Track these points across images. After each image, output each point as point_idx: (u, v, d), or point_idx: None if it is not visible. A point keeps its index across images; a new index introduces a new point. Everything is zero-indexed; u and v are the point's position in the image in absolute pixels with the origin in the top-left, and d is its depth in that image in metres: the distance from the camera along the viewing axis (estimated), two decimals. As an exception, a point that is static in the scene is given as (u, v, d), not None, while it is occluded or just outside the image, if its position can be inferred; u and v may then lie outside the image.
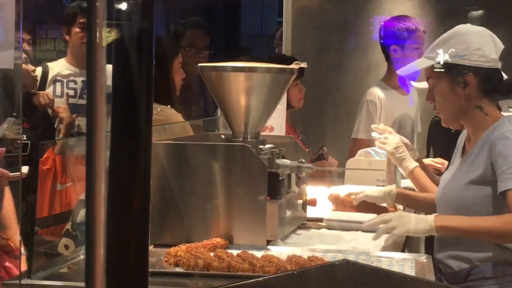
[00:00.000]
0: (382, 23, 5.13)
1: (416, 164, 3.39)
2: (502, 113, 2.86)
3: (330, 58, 6.60)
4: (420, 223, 2.55)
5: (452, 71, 2.76)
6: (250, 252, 2.42)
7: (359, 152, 4.20)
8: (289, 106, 4.53)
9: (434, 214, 2.63)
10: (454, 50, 2.75)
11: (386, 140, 3.50)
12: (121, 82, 1.31)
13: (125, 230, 1.35)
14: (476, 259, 2.73)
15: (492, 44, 2.78)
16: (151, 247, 2.56)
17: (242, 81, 2.75)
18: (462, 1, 6.51)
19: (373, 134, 3.66)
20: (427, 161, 4.69)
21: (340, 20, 6.51)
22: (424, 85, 4.14)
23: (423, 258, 2.58)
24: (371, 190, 3.27)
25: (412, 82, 4.38)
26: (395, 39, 4.91)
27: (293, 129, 4.71)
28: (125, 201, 1.33)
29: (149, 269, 2.17)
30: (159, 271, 2.31)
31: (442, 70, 2.79)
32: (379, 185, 3.82)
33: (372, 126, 3.69)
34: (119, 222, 1.34)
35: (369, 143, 4.81)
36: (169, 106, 3.58)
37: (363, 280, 1.67)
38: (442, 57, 2.77)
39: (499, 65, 2.79)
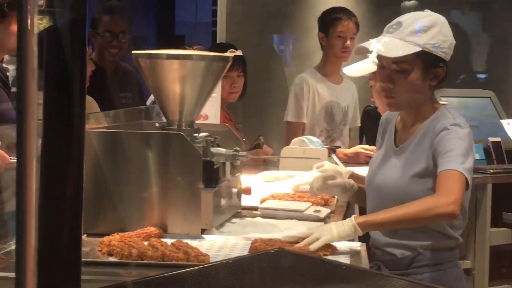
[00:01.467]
0: (320, 13, 5.23)
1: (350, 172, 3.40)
2: (440, 102, 2.88)
3: (265, 46, 6.61)
4: (341, 227, 2.47)
5: (431, 61, 2.72)
6: (185, 241, 2.40)
7: (293, 140, 4.22)
8: None
9: (353, 216, 2.57)
10: (437, 41, 2.71)
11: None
12: (54, 69, 1.28)
13: (57, 219, 1.32)
14: (419, 246, 2.75)
15: (454, 41, 2.79)
16: (84, 237, 2.52)
17: (176, 69, 2.73)
18: (396, -10, 6.58)
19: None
20: (357, 148, 4.76)
21: (275, 8, 6.53)
22: (356, 73, 4.20)
23: (358, 246, 2.59)
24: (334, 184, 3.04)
25: (344, 70, 4.43)
26: (323, 28, 5.03)
27: (230, 118, 4.72)
28: (57, 190, 1.31)
29: (82, 259, 2.14)
30: (92, 260, 2.28)
31: (421, 58, 2.71)
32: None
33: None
34: (52, 211, 1.32)
35: (302, 126, 4.93)
36: None
37: (298, 269, 1.67)
38: (424, 44, 2.70)
39: None
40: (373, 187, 2.88)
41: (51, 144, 1.28)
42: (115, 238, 2.39)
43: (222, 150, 2.82)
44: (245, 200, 3.14)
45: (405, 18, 2.77)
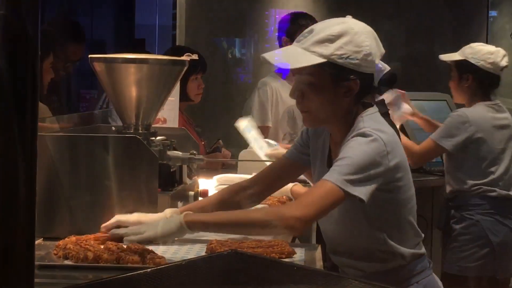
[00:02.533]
0: (280, 17, 5.28)
1: (294, 183, 3.42)
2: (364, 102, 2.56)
3: (224, 50, 6.63)
4: (168, 224, 2.40)
5: (339, 74, 2.43)
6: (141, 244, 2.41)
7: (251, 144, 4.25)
8: (187, 99, 4.62)
9: (185, 213, 2.46)
10: (345, 52, 2.41)
11: None
12: (5, 73, 1.29)
13: (10, 223, 1.33)
14: (367, 267, 2.53)
15: (377, 48, 2.49)
16: (40, 240, 2.53)
17: (132, 73, 2.74)
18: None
19: None
20: None
21: (234, 12, 6.56)
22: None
23: (313, 247, 2.61)
24: None
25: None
26: (288, 33, 5.06)
27: (189, 122, 4.76)
28: (10, 194, 1.32)
29: (37, 262, 2.15)
30: (48, 264, 2.28)
31: (327, 70, 2.43)
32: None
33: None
34: (4, 215, 1.32)
35: (267, 130, 4.98)
36: None
37: (251, 270, 1.69)
38: (329, 55, 2.41)
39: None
40: None
41: (3, 148, 1.29)
42: (70, 241, 2.39)
43: (178, 153, 2.84)
44: (203, 203, 3.15)
45: (318, 25, 2.50)
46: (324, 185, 2.33)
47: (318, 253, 2.57)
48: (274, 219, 2.31)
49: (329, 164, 2.52)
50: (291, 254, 2.46)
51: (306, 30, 2.50)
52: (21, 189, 1.35)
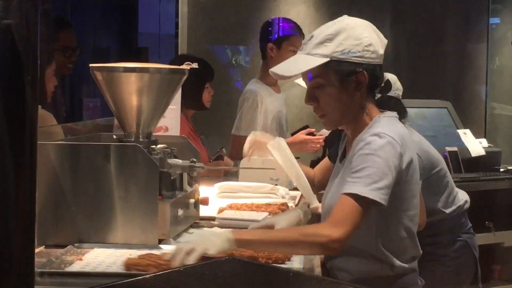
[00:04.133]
0: (264, 23, 5.34)
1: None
2: (380, 110, 2.63)
3: (227, 58, 6.66)
4: (217, 238, 2.32)
5: (344, 69, 2.48)
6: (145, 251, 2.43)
7: (252, 152, 4.26)
8: (202, 107, 4.67)
9: (233, 230, 2.43)
10: (345, 47, 2.48)
11: None
12: (5, 81, 1.32)
13: (10, 230, 1.35)
14: (357, 272, 2.54)
15: (378, 39, 2.55)
16: (42, 248, 2.55)
17: (133, 82, 2.76)
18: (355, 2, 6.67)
19: None
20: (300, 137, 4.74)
21: (236, 20, 6.59)
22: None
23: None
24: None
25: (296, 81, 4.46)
26: (275, 40, 5.08)
27: (194, 130, 4.78)
28: (10, 202, 1.34)
29: (39, 270, 2.17)
30: (49, 271, 2.30)
31: (332, 68, 2.49)
32: (273, 184, 3.91)
33: None
34: (4, 223, 1.34)
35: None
36: (39, 106, 3.60)
37: (248, 276, 1.71)
38: (331, 54, 2.49)
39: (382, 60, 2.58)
40: (323, 204, 2.73)
41: (2, 156, 1.31)
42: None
43: (179, 161, 2.86)
44: (203, 211, 3.18)
45: (317, 30, 2.57)
46: (351, 202, 2.35)
47: (317, 259, 2.59)
48: (313, 243, 2.33)
49: (341, 160, 2.67)
50: (287, 258, 2.47)
51: (307, 37, 2.58)
52: (20, 197, 1.37)
